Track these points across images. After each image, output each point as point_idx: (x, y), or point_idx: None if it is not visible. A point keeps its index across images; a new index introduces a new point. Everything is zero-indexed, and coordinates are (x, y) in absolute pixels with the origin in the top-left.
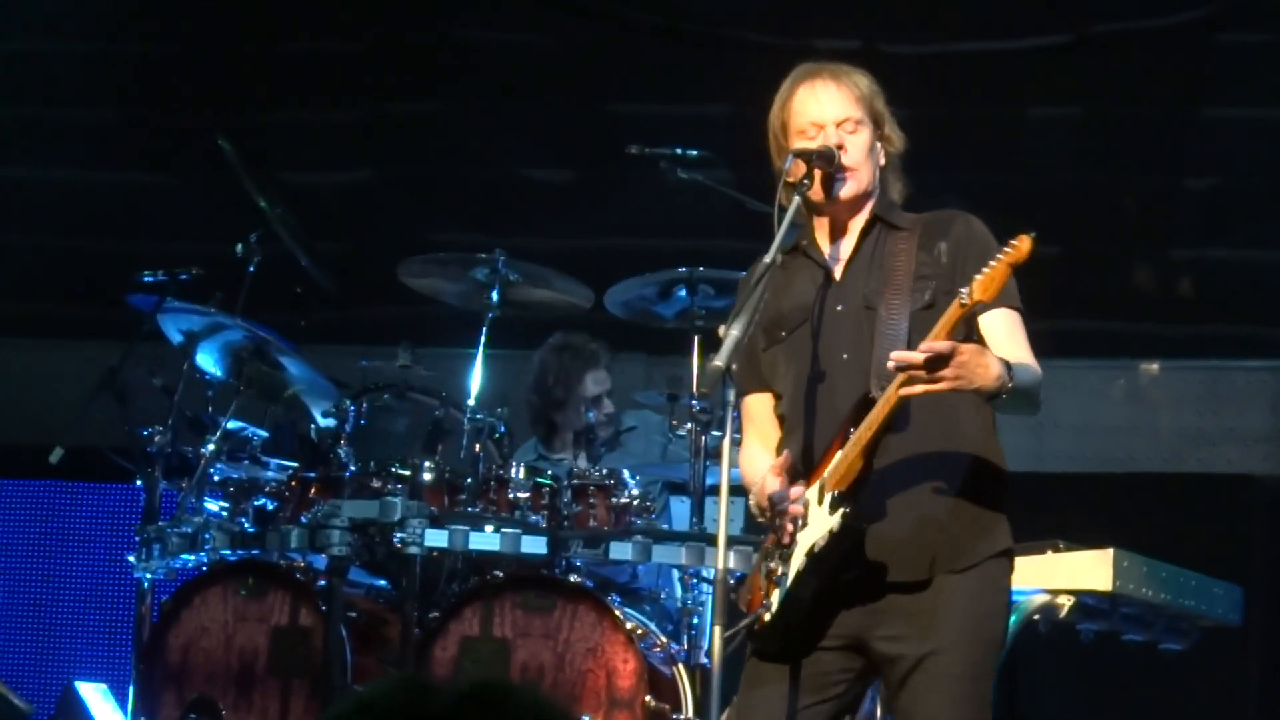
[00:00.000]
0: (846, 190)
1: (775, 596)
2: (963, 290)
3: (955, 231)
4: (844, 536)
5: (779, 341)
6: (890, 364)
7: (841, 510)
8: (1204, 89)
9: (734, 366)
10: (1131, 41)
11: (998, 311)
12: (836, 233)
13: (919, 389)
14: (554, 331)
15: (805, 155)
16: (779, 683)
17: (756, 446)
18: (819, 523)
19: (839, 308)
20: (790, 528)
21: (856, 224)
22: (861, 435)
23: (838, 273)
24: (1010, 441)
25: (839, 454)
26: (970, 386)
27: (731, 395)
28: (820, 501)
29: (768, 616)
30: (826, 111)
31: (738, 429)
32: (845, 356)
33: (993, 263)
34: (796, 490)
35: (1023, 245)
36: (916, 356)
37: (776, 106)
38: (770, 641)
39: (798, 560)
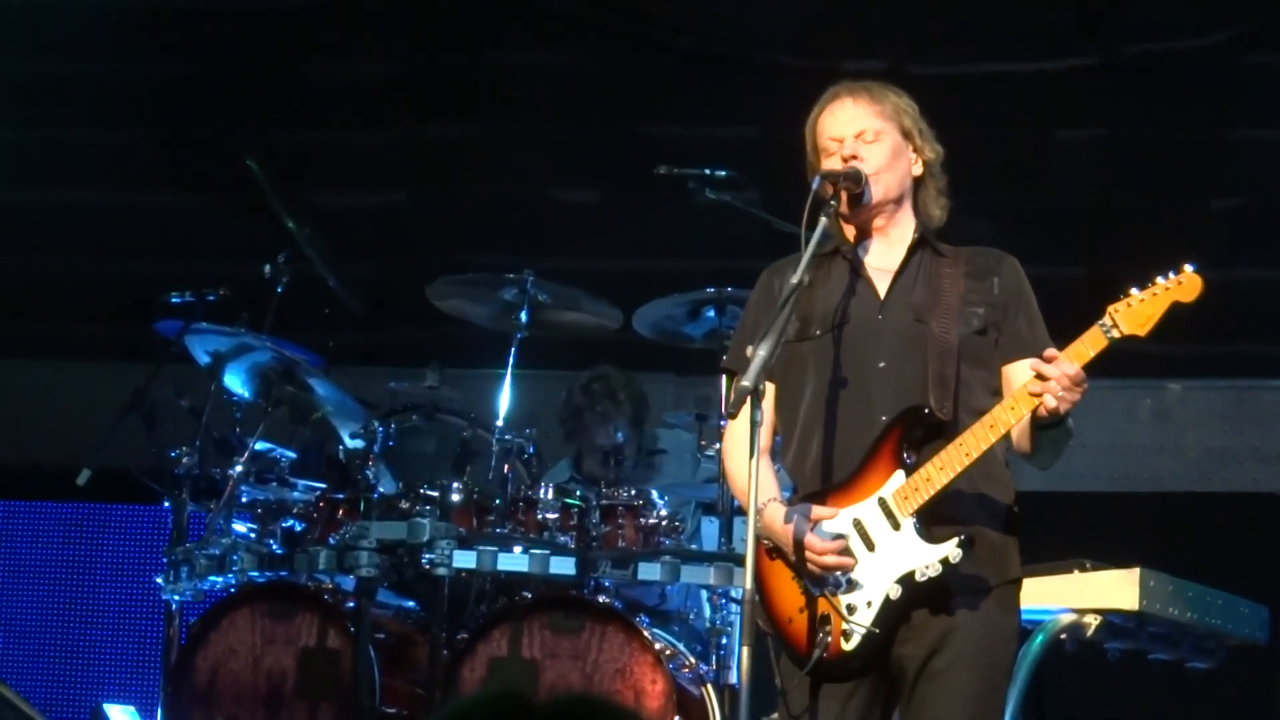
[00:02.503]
0: (870, 196)
1: (855, 623)
2: (1106, 323)
3: (1007, 270)
4: (955, 568)
5: (810, 338)
6: (1047, 366)
7: (959, 539)
8: (1231, 111)
9: (761, 385)
10: (1159, 64)
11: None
12: (872, 242)
13: (1054, 403)
14: (583, 353)
15: (832, 177)
16: (834, 699)
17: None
18: (910, 548)
19: (880, 316)
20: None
21: (895, 235)
22: (964, 456)
23: (880, 283)
24: (1028, 465)
25: (921, 474)
26: (1068, 410)
27: (759, 415)
28: (895, 524)
29: (847, 645)
30: (845, 127)
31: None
32: (882, 365)
33: (1143, 295)
34: (836, 536)
35: (1191, 283)
36: (1071, 367)
37: (807, 131)
38: (845, 668)
39: (886, 588)
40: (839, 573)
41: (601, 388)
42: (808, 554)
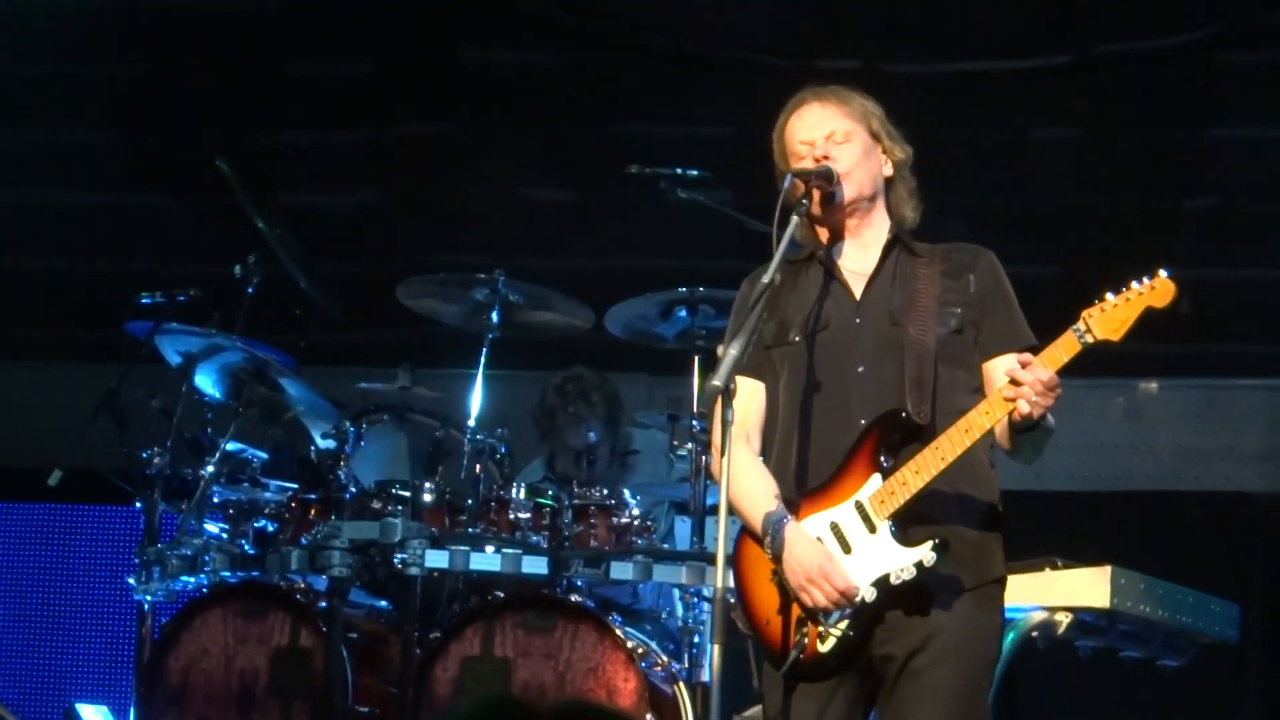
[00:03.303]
0: (842, 195)
1: (831, 626)
2: (1079, 327)
3: (982, 266)
4: (930, 570)
5: (785, 344)
6: (1021, 371)
7: (933, 543)
8: (1204, 110)
9: (731, 385)
10: (1132, 63)
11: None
12: (846, 244)
13: (1028, 408)
14: (555, 353)
15: (804, 175)
16: (814, 698)
17: (749, 458)
18: (885, 551)
19: (857, 320)
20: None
21: (870, 238)
22: (939, 460)
23: (856, 286)
24: (1007, 462)
25: (896, 477)
26: (1041, 414)
27: (731, 414)
28: (872, 528)
29: (823, 647)
30: (814, 130)
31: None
32: (861, 369)
33: (1116, 300)
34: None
35: (1164, 288)
36: (1044, 372)
37: (775, 138)
38: (822, 669)
39: (861, 591)
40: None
41: (575, 388)
42: (821, 582)
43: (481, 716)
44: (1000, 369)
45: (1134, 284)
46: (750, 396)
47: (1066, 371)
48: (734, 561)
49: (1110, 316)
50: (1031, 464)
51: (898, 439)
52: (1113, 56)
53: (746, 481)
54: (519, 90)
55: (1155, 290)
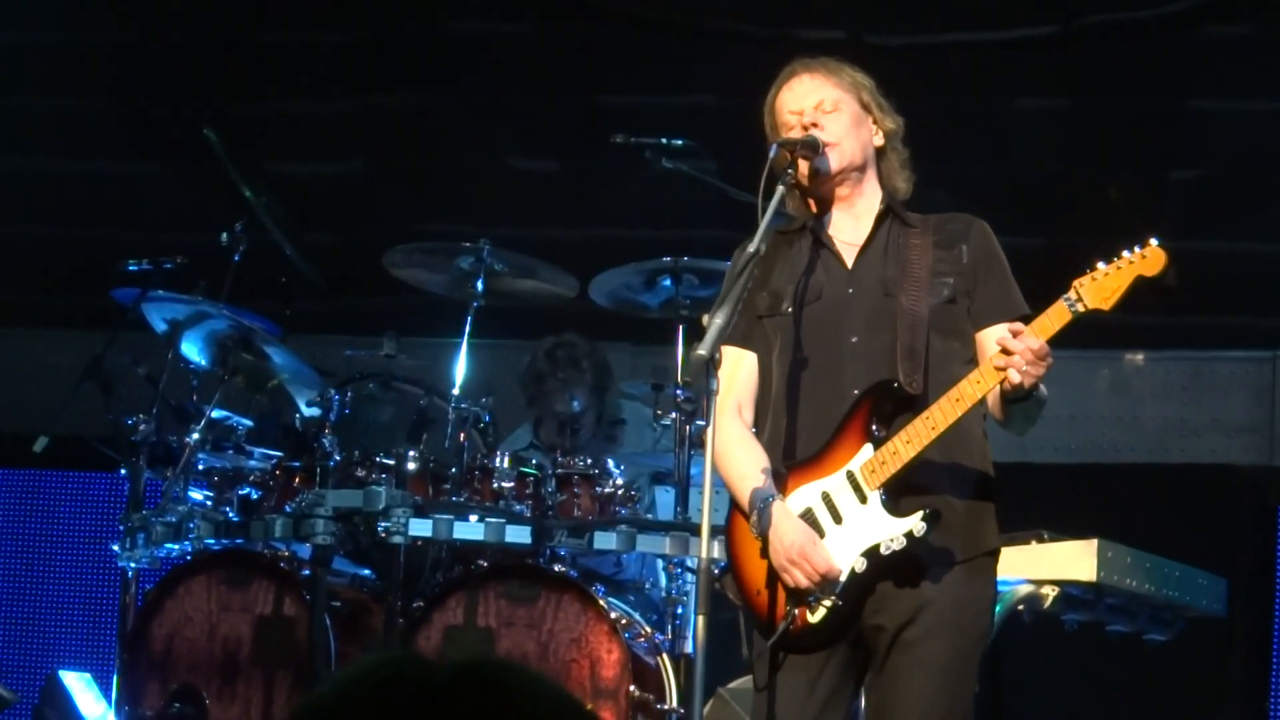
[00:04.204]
0: (831, 164)
1: (819, 595)
2: (1070, 296)
3: (975, 235)
4: (921, 540)
5: (779, 314)
6: (1012, 341)
7: (923, 513)
8: (1190, 81)
9: (716, 354)
10: (1118, 33)
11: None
12: (837, 215)
13: (1018, 377)
14: (539, 322)
15: (789, 145)
16: (805, 670)
17: (739, 429)
18: (876, 521)
19: (850, 291)
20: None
21: (862, 208)
22: (930, 430)
23: (848, 257)
24: (995, 432)
25: (888, 447)
26: (1032, 384)
27: (715, 384)
28: (863, 498)
29: (812, 618)
30: (803, 100)
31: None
32: (855, 340)
33: (1107, 269)
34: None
35: (1155, 257)
36: (1035, 341)
37: (766, 110)
38: (812, 640)
39: (851, 560)
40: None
41: (565, 355)
42: (802, 563)
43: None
44: (993, 338)
45: (1125, 253)
46: (739, 366)
47: (1052, 343)
48: (726, 532)
49: (1101, 285)
50: (1024, 434)
51: (890, 409)
52: (1098, 27)
53: (735, 455)
54: (503, 60)
55: (1146, 259)
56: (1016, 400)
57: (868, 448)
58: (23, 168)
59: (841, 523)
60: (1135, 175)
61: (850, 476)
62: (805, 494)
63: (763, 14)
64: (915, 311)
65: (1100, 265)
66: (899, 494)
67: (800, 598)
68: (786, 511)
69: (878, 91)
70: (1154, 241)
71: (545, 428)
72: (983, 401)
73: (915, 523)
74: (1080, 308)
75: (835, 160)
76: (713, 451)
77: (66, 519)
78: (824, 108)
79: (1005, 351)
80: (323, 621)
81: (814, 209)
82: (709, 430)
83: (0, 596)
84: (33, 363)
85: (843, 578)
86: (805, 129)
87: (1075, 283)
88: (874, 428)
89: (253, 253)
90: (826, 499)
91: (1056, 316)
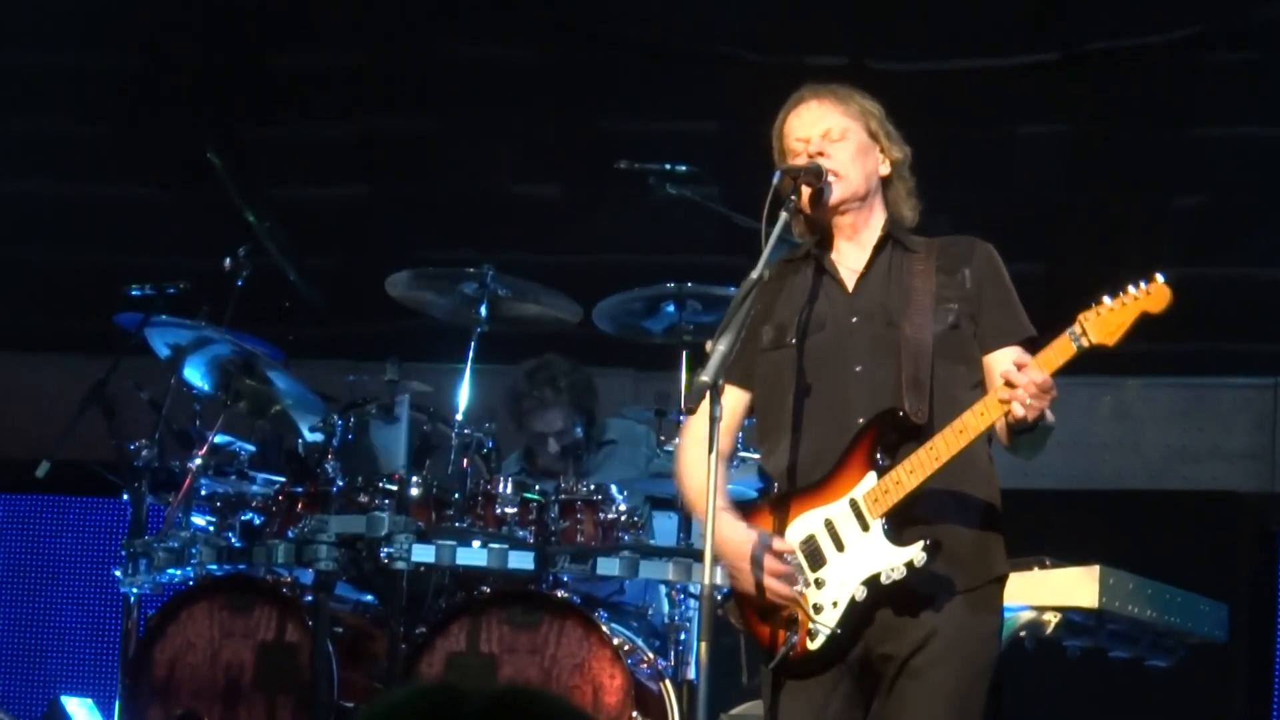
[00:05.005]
0: (834, 195)
1: (820, 623)
2: (1075, 331)
3: (978, 258)
4: (922, 570)
5: (785, 346)
6: (1016, 374)
7: (923, 543)
8: (1192, 108)
9: (720, 380)
10: (1120, 60)
11: (1016, 349)
12: (841, 243)
13: (1022, 411)
14: (542, 347)
15: (793, 172)
16: (810, 697)
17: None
18: (877, 550)
19: (853, 320)
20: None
21: (866, 237)
22: (933, 460)
23: (850, 285)
24: (997, 457)
25: (891, 476)
26: (1035, 417)
27: (718, 411)
28: (865, 526)
29: (812, 644)
30: (810, 127)
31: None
32: (859, 369)
33: (1113, 305)
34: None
35: (1160, 294)
36: (1039, 375)
37: (774, 135)
38: (812, 666)
39: (852, 589)
40: (792, 588)
41: (543, 375)
42: (766, 575)
43: (411, 704)
44: (1000, 362)
45: (1130, 288)
46: (736, 403)
47: (1056, 370)
48: None
49: (1106, 320)
50: (1031, 460)
51: (895, 438)
52: (1101, 54)
53: (700, 479)
54: (506, 85)
55: (1150, 295)
56: (1022, 431)
57: (871, 476)
58: (26, 192)
59: (843, 550)
60: (1138, 201)
61: (853, 504)
62: (808, 520)
63: (766, 40)
64: (919, 340)
65: (1106, 300)
66: (901, 523)
67: (773, 605)
68: (731, 523)
69: (887, 120)
70: (1160, 278)
71: (535, 451)
72: (989, 431)
73: (916, 553)
74: (1085, 342)
75: (839, 190)
76: (713, 476)
77: (69, 544)
78: (831, 136)
79: (1009, 384)
80: (325, 647)
81: (818, 237)
82: (711, 456)
83: (2, 622)
84: (35, 388)
85: (843, 605)
86: (811, 157)
87: (1080, 317)
88: (878, 456)
89: (256, 278)
90: (829, 526)
91: (1061, 351)
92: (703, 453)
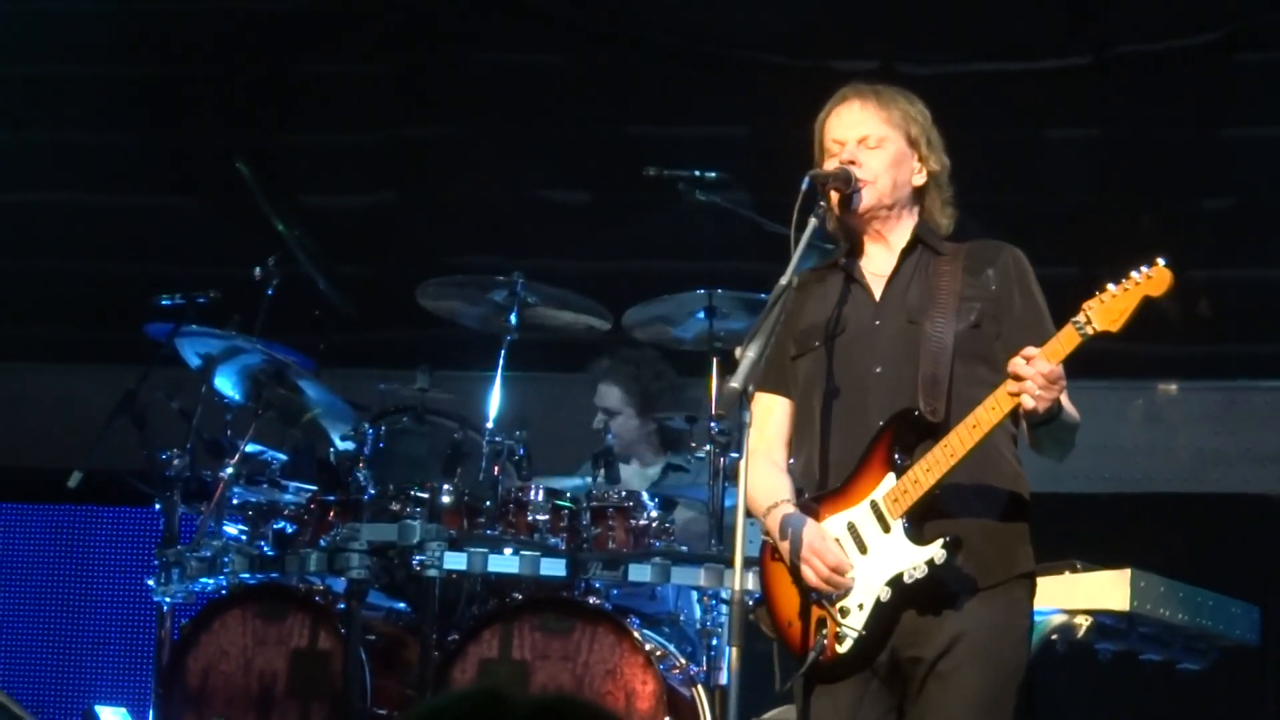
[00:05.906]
0: (862, 202)
1: (848, 626)
2: (1079, 319)
3: (1003, 261)
4: (944, 567)
5: (810, 350)
6: (1023, 366)
7: (943, 541)
8: (1222, 110)
9: (750, 386)
10: (1150, 63)
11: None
12: (870, 248)
13: (1031, 402)
14: (573, 355)
15: (822, 178)
16: (842, 701)
17: (766, 464)
18: (898, 550)
19: (876, 323)
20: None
21: (895, 242)
22: (949, 457)
23: (877, 289)
24: (1028, 462)
25: (909, 476)
26: (1046, 408)
27: (748, 416)
28: (886, 527)
29: (841, 648)
30: (848, 130)
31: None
32: (879, 370)
33: (1115, 291)
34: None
35: (1160, 277)
36: (1046, 365)
37: (815, 131)
38: (842, 670)
39: (876, 590)
40: (833, 590)
41: (626, 354)
42: (813, 563)
43: (457, 707)
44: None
45: (1132, 273)
46: (770, 412)
47: (1085, 372)
48: (760, 564)
49: (1109, 307)
50: (1061, 460)
51: (912, 437)
52: (1129, 57)
53: (762, 492)
54: (535, 91)
55: (1152, 279)
56: (1038, 424)
57: (890, 477)
58: (56, 202)
59: (867, 553)
60: (1167, 204)
61: (874, 506)
62: (833, 525)
63: (795, 45)
64: (940, 338)
65: (1109, 287)
66: (921, 522)
67: (821, 603)
68: (805, 520)
69: (932, 126)
70: (1160, 261)
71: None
72: (1006, 424)
73: (936, 550)
74: (1090, 330)
75: (868, 197)
76: (744, 496)
77: (101, 554)
78: (868, 143)
79: (1017, 377)
80: (358, 655)
81: (848, 243)
82: (741, 463)
83: (36, 632)
84: (66, 398)
85: (868, 608)
86: (843, 162)
87: (1085, 305)
88: (896, 457)
89: (286, 286)
90: (853, 529)
91: (1066, 340)
92: (761, 462)
